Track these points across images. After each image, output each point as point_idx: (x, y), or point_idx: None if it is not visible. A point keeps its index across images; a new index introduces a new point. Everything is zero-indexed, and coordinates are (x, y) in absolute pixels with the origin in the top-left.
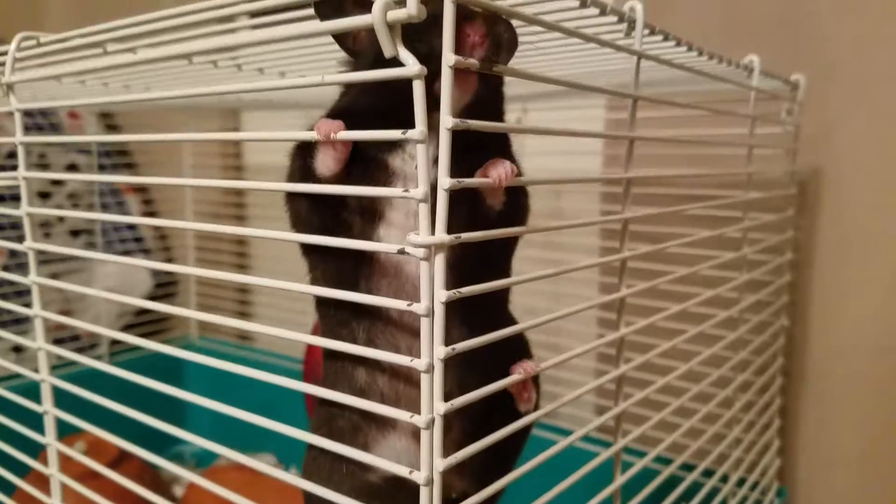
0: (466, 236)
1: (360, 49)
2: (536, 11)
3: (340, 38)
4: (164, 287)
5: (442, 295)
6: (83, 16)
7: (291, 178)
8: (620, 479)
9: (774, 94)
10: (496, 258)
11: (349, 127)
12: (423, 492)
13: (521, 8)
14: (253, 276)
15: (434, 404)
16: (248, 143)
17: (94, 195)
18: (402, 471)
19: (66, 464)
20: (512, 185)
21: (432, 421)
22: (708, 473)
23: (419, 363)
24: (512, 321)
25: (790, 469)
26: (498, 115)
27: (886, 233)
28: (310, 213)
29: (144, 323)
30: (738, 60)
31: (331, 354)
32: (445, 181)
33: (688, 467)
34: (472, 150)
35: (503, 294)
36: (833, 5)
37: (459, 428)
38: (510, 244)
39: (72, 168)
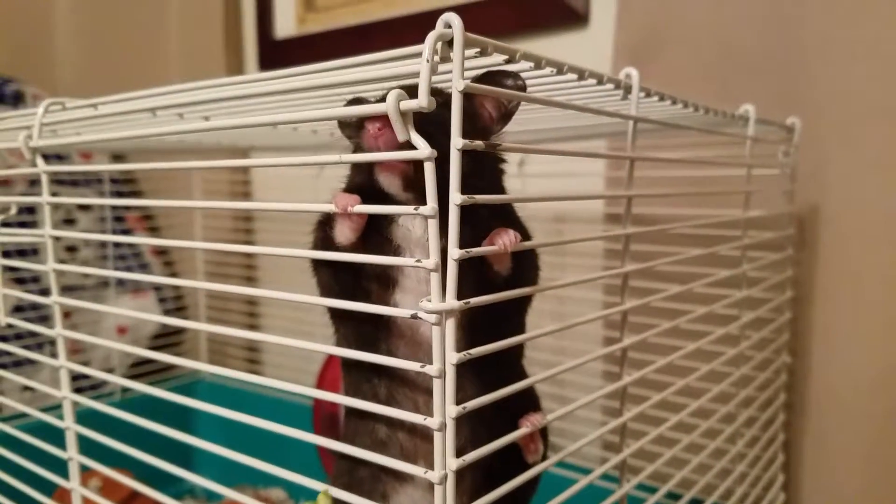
0: (476, 301)
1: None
2: (539, 83)
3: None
4: (176, 313)
5: (453, 357)
6: (91, 57)
7: (315, 247)
8: None
9: (770, 140)
10: (509, 318)
11: (364, 200)
12: None
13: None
14: (262, 307)
15: (447, 460)
16: (257, 183)
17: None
18: None
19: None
20: (518, 250)
21: (445, 476)
22: None
23: (432, 422)
24: (524, 375)
25: (794, 499)
26: (499, 183)
27: (882, 268)
28: (331, 279)
29: (156, 349)
30: (733, 112)
31: (352, 408)
32: (455, 252)
33: (695, 502)
34: (479, 219)
35: (517, 350)
36: (820, 47)
37: (472, 478)
38: (523, 303)
39: (83, 208)
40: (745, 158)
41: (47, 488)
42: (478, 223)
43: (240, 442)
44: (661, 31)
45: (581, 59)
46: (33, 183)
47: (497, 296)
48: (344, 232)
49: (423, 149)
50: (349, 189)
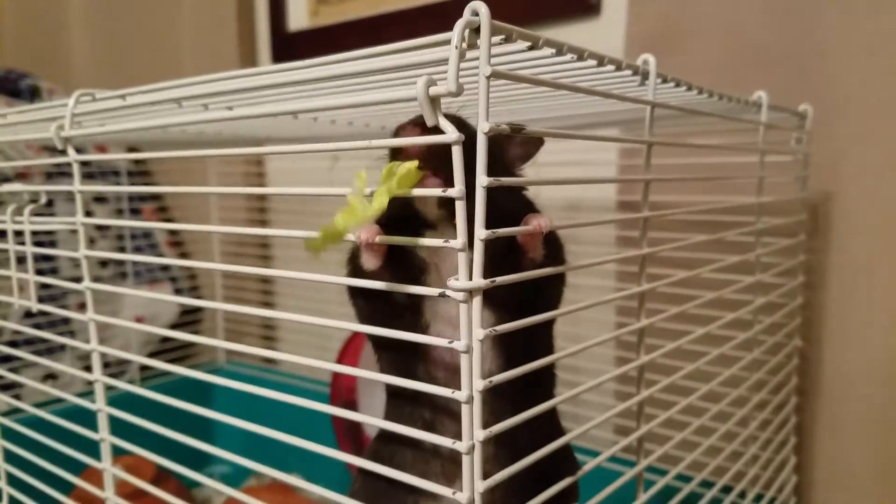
0: (501, 280)
1: None
2: (556, 71)
3: None
4: (191, 313)
5: (479, 333)
6: (105, 52)
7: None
8: (643, 497)
9: (782, 126)
10: (540, 333)
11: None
12: None
13: (543, 71)
14: (278, 297)
15: (474, 432)
16: (272, 176)
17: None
18: None
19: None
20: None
21: (472, 447)
22: (727, 490)
23: (459, 395)
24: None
25: (807, 488)
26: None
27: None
28: (366, 306)
29: (172, 349)
30: (747, 98)
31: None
32: (482, 232)
33: (707, 484)
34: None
35: (549, 378)
36: (836, 41)
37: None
38: (556, 294)
39: (99, 199)
40: (758, 145)
41: (74, 468)
42: (505, 221)
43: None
44: (673, 23)
45: (592, 49)
46: (50, 175)
47: (526, 274)
48: (370, 260)
49: (451, 133)
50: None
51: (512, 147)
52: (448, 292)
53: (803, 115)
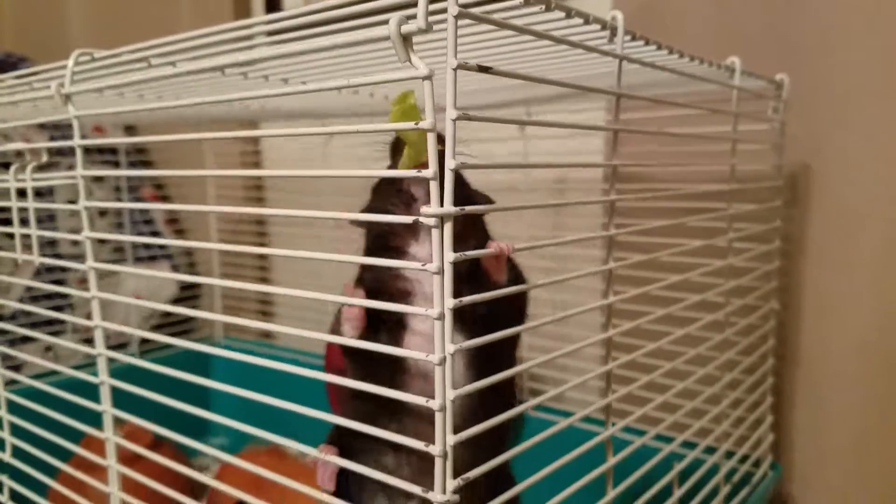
0: (471, 254)
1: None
2: (526, 23)
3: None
4: (189, 290)
5: (450, 303)
6: (103, 31)
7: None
8: (612, 461)
9: (759, 94)
10: (504, 351)
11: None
12: None
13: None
14: (274, 272)
15: (446, 391)
16: (267, 151)
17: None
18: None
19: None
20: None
21: (443, 406)
22: (707, 451)
23: (433, 358)
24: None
25: (786, 451)
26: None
27: (872, 228)
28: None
29: (170, 324)
30: (719, 62)
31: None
32: (451, 162)
33: (683, 444)
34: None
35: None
36: (818, 22)
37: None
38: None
39: (98, 180)
40: (731, 112)
41: (73, 437)
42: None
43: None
44: (659, 1)
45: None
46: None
47: (494, 293)
48: (350, 332)
49: (421, 69)
50: (360, 280)
51: None
52: (422, 220)
53: (780, 84)
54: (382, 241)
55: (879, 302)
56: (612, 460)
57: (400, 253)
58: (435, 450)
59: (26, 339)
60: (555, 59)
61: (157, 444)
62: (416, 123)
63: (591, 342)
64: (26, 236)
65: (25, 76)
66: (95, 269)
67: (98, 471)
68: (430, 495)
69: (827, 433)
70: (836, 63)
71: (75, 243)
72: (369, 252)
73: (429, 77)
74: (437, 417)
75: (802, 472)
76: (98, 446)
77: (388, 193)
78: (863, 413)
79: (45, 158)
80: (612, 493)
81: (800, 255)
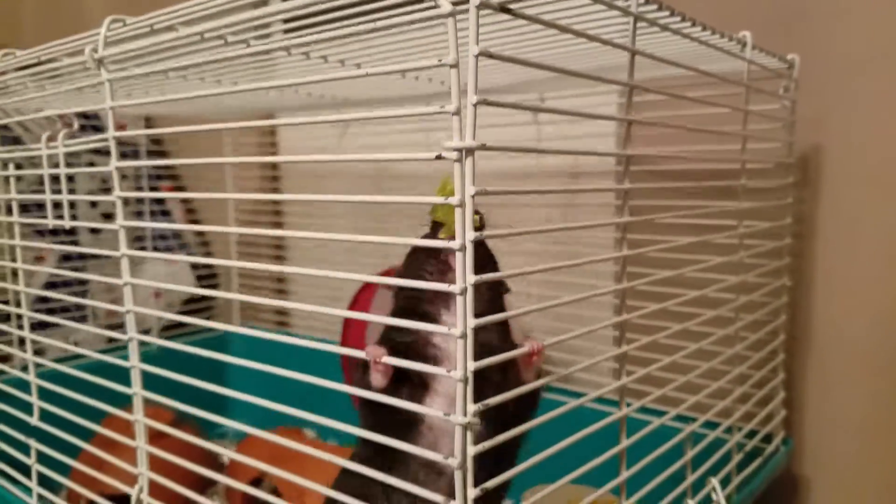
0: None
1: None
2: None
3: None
4: (207, 279)
5: (471, 365)
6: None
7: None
8: (626, 442)
9: (769, 70)
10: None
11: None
12: None
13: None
14: (290, 262)
15: (467, 365)
16: (284, 148)
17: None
18: None
19: (129, 431)
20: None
21: (466, 378)
22: (713, 426)
23: (456, 375)
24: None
25: (797, 425)
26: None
27: (884, 207)
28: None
29: (190, 312)
30: (731, 34)
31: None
32: (473, 97)
33: (692, 420)
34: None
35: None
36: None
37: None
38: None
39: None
40: (744, 90)
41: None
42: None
43: (272, 387)
44: None
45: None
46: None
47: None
48: (378, 378)
49: (445, 5)
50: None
51: None
52: (444, 154)
53: (791, 63)
54: (413, 303)
55: (891, 279)
56: (626, 442)
57: (429, 319)
58: (456, 374)
59: (46, 325)
60: (569, 47)
61: (178, 425)
62: (446, 198)
63: (607, 325)
64: (58, 205)
65: (60, 45)
66: (129, 256)
67: (120, 449)
68: (451, 417)
69: (838, 409)
70: (844, 42)
71: (93, 231)
72: (399, 312)
73: (452, 14)
74: (458, 344)
75: (814, 447)
76: (119, 425)
77: (424, 260)
78: (874, 390)
79: (76, 126)
80: (625, 474)
81: (811, 235)
